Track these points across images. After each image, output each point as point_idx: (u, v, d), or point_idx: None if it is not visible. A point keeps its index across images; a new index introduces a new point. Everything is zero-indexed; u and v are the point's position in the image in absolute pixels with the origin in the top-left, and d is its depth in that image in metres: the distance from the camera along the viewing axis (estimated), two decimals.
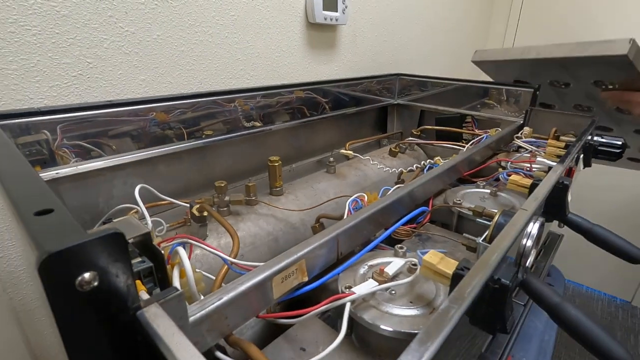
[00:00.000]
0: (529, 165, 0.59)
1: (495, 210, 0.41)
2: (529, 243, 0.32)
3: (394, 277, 0.33)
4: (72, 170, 0.48)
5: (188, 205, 0.49)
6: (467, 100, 1.02)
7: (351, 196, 0.54)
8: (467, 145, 0.74)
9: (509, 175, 0.49)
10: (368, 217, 0.39)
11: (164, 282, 0.35)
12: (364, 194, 0.46)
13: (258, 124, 0.78)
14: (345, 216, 0.42)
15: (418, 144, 0.89)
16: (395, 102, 1.12)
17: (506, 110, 0.94)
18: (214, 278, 0.35)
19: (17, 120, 0.48)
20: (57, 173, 0.46)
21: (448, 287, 0.29)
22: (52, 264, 0.16)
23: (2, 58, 0.51)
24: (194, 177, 0.69)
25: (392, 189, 0.50)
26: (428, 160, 0.66)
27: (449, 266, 0.28)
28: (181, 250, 0.31)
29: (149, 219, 0.38)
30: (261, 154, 0.79)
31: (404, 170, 0.70)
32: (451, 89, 1.05)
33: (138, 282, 0.32)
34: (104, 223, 0.44)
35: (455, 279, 0.26)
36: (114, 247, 0.18)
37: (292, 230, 0.59)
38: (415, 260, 0.34)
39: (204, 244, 0.34)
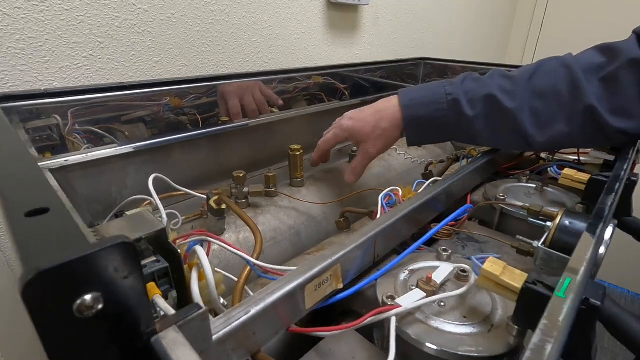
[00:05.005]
0: (576, 157, 0.53)
1: (553, 210, 0.36)
2: (602, 250, 0.28)
3: (442, 285, 0.28)
4: (81, 158, 0.45)
5: (205, 197, 0.45)
6: None
7: (378, 189, 0.50)
8: None
9: (560, 169, 0.44)
10: (406, 215, 0.34)
11: (181, 282, 0.31)
12: (398, 188, 0.41)
13: (276, 110, 0.73)
14: (378, 213, 0.37)
15: None
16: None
17: None
18: (234, 278, 0.31)
19: (25, 103, 0.45)
20: (65, 160, 0.43)
21: (506, 300, 0.25)
22: (42, 284, 0.12)
23: (9, 36, 0.48)
24: (210, 165, 0.65)
25: (428, 183, 0.45)
26: (460, 151, 0.61)
27: (515, 278, 0.23)
28: (200, 251, 0.28)
29: (163, 212, 0.35)
30: (280, 141, 0.75)
31: (434, 161, 0.65)
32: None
33: (152, 284, 0.29)
34: (116, 215, 0.41)
35: (526, 294, 0.22)
36: (123, 259, 0.14)
37: (315, 224, 0.55)
38: (465, 266, 0.29)
39: (224, 242, 0.30)
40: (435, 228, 0.34)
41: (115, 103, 0.53)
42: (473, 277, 0.27)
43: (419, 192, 0.42)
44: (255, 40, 0.75)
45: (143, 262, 0.30)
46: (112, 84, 0.52)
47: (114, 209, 0.45)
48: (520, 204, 0.41)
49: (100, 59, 0.56)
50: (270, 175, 0.53)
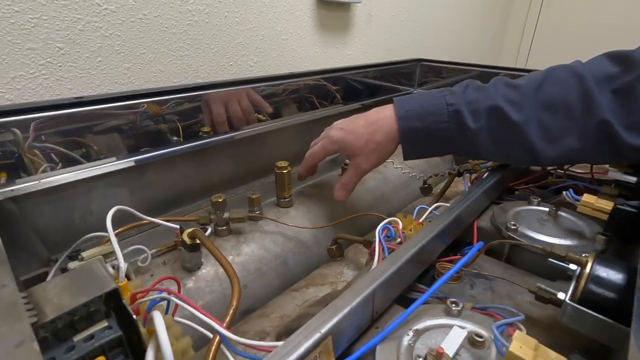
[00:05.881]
0: (589, 175, 0.49)
1: (575, 244, 0.31)
2: None
3: (455, 356, 0.23)
4: (33, 186, 0.39)
5: (178, 227, 0.40)
6: None
7: (375, 214, 0.45)
8: None
9: (578, 194, 0.39)
10: (411, 259, 0.29)
11: (139, 348, 0.26)
12: (398, 220, 0.36)
13: (263, 118, 0.67)
14: (376, 253, 0.32)
15: None
16: (416, 92, 1.01)
17: None
18: (209, 335, 0.26)
19: None
20: (12, 190, 0.37)
21: None
22: None
23: None
24: (191, 182, 0.60)
25: (430, 209, 0.40)
26: (463, 165, 0.56)
27: None
28: (157, 319, 0.22)
29: (121, 259, 0.29)
30: (270, 152, 0.70)
31: (433, 176, 0.60)
32: (476, 75, 0.93)
33: None
34: (69, 257, 0.35)
35: None
36: None
37: (304, 250, 0.50)
38: (481, 331, 0.24)
39: (190, 305, 0.24)
40: (447, 274, 0.29)
41: (82, 114, 0.47)
42: (494, 352, 0.22)
43: (423, 224, 0.37)
44: (239, 42, 0.69)
45: (90, 332, 0.24)
46: (68, 100, 0.45)
47: (77, 238, 0.39)
48: (537, 236, 0.36)
49: (60, 66, 0.50)
50: (254, 197, 0.47)
